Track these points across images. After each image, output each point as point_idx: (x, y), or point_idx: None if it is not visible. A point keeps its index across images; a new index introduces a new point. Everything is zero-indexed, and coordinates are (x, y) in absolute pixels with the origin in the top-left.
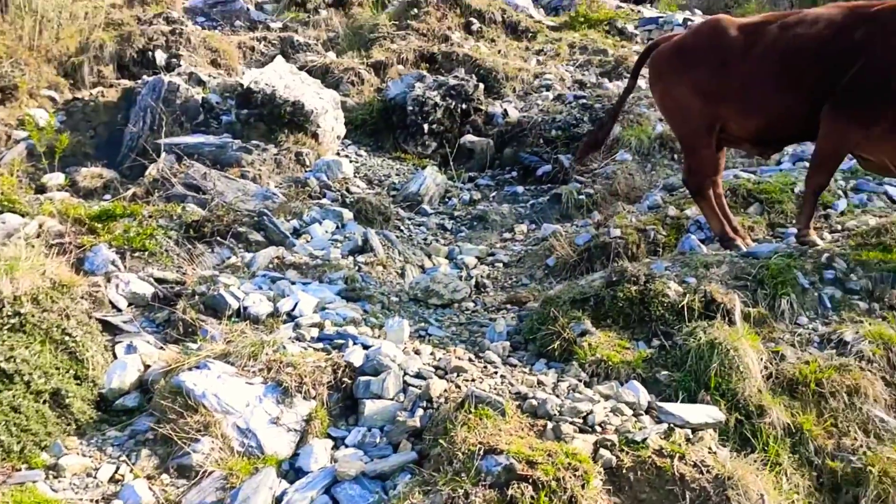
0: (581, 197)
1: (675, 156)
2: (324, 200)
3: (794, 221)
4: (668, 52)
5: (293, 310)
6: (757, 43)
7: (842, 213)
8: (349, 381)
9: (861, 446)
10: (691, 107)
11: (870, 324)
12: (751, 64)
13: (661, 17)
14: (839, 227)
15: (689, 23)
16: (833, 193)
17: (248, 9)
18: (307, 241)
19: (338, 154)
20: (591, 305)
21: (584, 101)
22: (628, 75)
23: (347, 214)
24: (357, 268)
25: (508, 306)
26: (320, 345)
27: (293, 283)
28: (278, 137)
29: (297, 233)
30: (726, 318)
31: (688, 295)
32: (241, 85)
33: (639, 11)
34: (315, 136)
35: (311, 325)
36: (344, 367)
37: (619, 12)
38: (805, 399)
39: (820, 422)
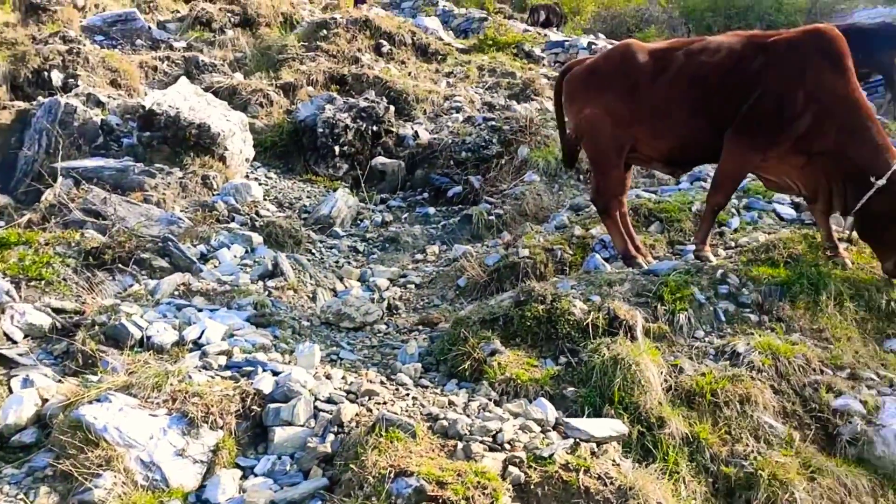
0: (491, 217)
1: (581, 176)
2: (232, 224)
3: (692, 239)
4: (582, 75)
5: (200, 338)
6: (666, 69)
7: (735, 231)
8: (258, 409)
9: (752, 452)
10: (603, 128)
11: (760, 335)
12: (660, 89)
13: (567, 40)
14: (733, 244)
15: (594, 46)
16: (728, 212)
17: (149, 28)
18: (215, 267)
19: (247, 177)
20: (501, 325)
21: (493, 123)
22: (536, 97)
23: (257, 238)
24: (267, 293)
25: (420, 328)
26: (228, 373)
27: (200, 311)
28: (184, 160)
29: (204, 258)
30: (629, 334)
31: (592, 313)
32: (143, 107)
33: (545, 35)
34: (222, 158)
35: (219, 353)
36: (253, 394)
37: (526, 36)
38: (702, 409)
39: (715, 430)
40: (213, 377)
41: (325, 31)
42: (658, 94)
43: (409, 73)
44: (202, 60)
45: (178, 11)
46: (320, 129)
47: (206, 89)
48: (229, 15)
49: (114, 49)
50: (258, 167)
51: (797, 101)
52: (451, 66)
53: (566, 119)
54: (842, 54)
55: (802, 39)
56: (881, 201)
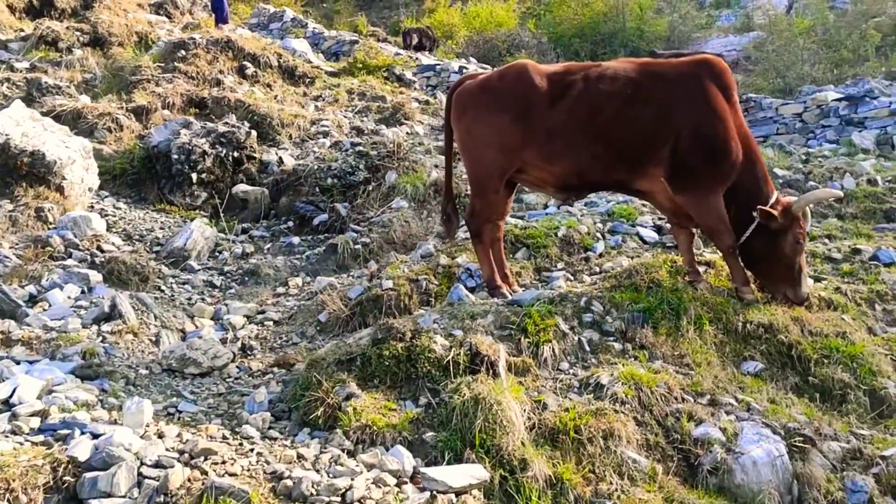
0: (357, 246)
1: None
2: (69, 262)
3: (557, 265)
4: (475, 91)
5: (11, 396)
6: (565, 94)
7: (600, 255)
8: (73, 480)
9: (616, 490)
10: (490, 148)
11: (623, 364)
12: (558, 114)
13: (439, 64)
14: (598, 269)
15: (465, 70)
16: (592, 236)
17: None
18: (44, 310)
19: (90, 208)
20: (358, 366)
21: (361, 148)
22: (406, 121)
23: (96, 277)
24: (101, 338)
25: (275, 370)
26: (41, 437)
27: (17, 363)
28: (14, 192)
29: (33, 300)
30: (491, 371)
31: (454, 349)
32: None
33: (417, 59)
34: (60, 189)
35: (32, 414)
36: (66, 462)
37: (397, 59)
38: (565, 448)
39: (579, 469)
40: (21, 444)
41: (183, 52)
42: (555, 119)
43: (276, 97)
44: (45, 82)
45: (23, 30)
46: (175, 156)
47: (47, 113)
48: (78, 34)
49: None
50: (105, 196)
51: (718, 129)
52: (319, 89)
53: (453, 137)
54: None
55: (695, 68)
56: (762, 236)
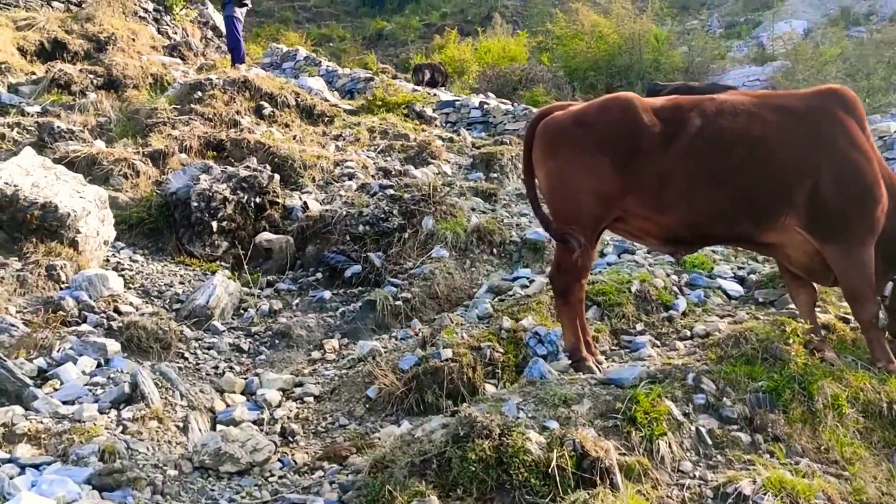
0: (398, 303)
1: (494, 250)
2: (83, 327)
3: (636, 327)
4: (567, 126)
5: None
6: (679, 133)
7: (684, 315)
8: None
9: None
10: (586, 193)
11: (762, 465)
12: (673, 156)
13: (457, 100)
14: (688, 333)
15: (486, 105)
16: (669, 291)
17: None
18: (55, 390)
19: (106, 261)
20: (435, 470)
21: (391, 191)
22: (433, 160)
23: (113, 346)
24: (121, 428)
25: (326, 464)
26: None
27: (22, 470)
28: (24, 248)
29: (42, 376)
30: (605, 479)
31: (554, 449)
32: None
33: (435, 95)
34: (73, 243)
35: None
36: None
37: (416, 95)
38: None
39: None
40: None
41: (199, 93)
42: (669, 163)
43: (295, 137)
44: (58, 127)
45: (35, 73)
46: (195, 203)
47: (60, 160)
48: (92, 77)
49: None
50: (122, 248)
51: (863, 166)
52: (339, 128)
53: (536, 178)
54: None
55: (825, 100)
56: None
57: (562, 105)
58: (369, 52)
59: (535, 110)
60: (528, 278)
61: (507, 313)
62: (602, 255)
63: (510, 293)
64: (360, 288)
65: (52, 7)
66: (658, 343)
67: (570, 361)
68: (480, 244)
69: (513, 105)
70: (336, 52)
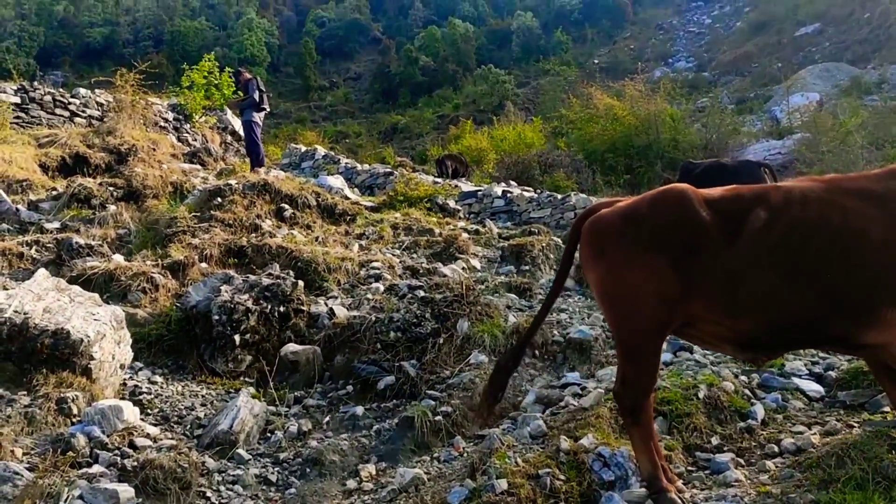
0: (437, 418)
1: (536, 352)
2: (95, 468)
3: (712, 441)
4: (617, 223)
5: None
6: (742, 227)
7: (764, 424)
8: None
9: None
10: (644, 296)
11: None
12: (740, 253)
13: (479, 190)
14: (776, 449)
15: (508, 194)
16: (741, 395)
17: (17, 209)
18: None
19: (123, 385)
20: None
21: (421, 291)
22: (460, 255)
23: (126, 492)
24: None
25: None
26: None
27: None
28: (33, 380)
29: None
30: None
31: None
32: None
33: (456, 186)
34: (86, 371)
35: None
36: None
37: (438, 188)
38: None
39: None
40: None
41: (219, 199)
42: (736, 261)
43: (317, 239)
44: (76, 242)
45: (56, 189)
46: (216, 316)
47: (76, 278)
48: (111, 189)
49: None
50: (140, 369)
51: None
52: (362, 226)
53: (587, 281)
54: None
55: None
56: None
57: (608, 202)
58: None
59: (559, 196)
60: (578, 385)
61: (563, 430)
62: None
63: (562, 404)
64: (394, 401)
65: (74, 123)
66: (742, 462)
67: (648, 492)
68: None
69: (536, 192)
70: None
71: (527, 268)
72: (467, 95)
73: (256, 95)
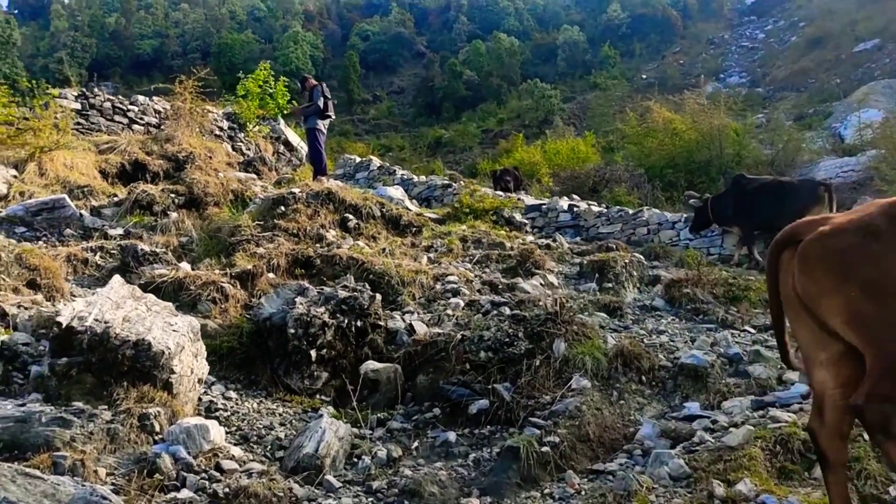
0: (545, 449)
1: (643, 377)
2: (183, 494)
3: (890, 492)
4: (856, 240)
5: None
6: None
7: None
8: None
9: None
10: None
11: None
12: None
13: (544, 203)
14: None
15: (575, 208)
16: None
17: (80, 215)
18: None
19: (199, 400)
20: None
21: (507, 309)
22: (537, 270)
23: None
24: None
25: None
26: None
27: None
28: (114, 394)
29: None
30: None
31: None
32: (59, 324)
33: (519, 199)
34: (167, 386)
35: None
36: None
37: (504, 201)
38: None
39: None
40: None
41: (282, 208)
42: None
43: (384, 250)
44: (141, 249)
45: (117, 195)
46: (292, 330)
47: (146, 286)
48: (173, 196)
49: (37, 242)
50: (213, 383)
51: None
52: (428, 238)
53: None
54: None
55: None
56: None
57: (810, 222)
58: (430, 159)
59: (629, 211)
60: (707, 418)
61: (710, 472)
62: (791, 383)
63: (695, 440)
64: (489, 427)
65: (132, 129)
66: None
67: None
68: (627, 371)
69: (605, 207)
70: (397, 161)
71: (609, 285)
72: (512, 110)
73: (321, 102)
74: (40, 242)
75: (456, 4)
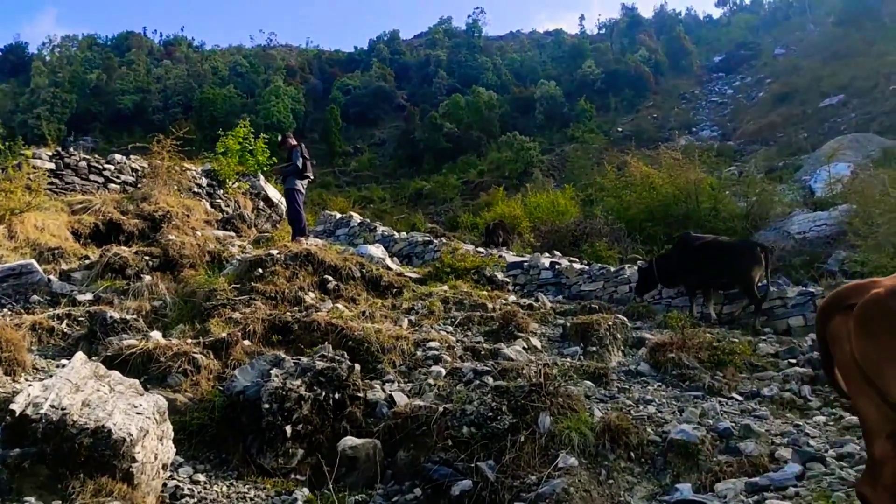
0: None
1: (632, 454)
2: None
3: None
4: None
5: None
6: None
7: None
8: None
9: None
10: None
11: None
12: None
13: (525, 261)
14: None
15: (557, 266)
16: None
17: (48, 280)
18: None
19: (164, 486)
20: None
21: (490, 378)
22: (520, 333)
23: None
24: None
25: None
26: None
27: None
28: (69, 487)
29: None
30: None
31: None
32: (13, 412)
33: (501, 256)
34: (128, 476)
35: None
36: None
37: (485, 259)
38: None
39: None
40: None
41: (260, 270)
42: None
43: (364, 313)
44: (110, 317)
45: (89, 257)
46: (266, 405)
47: (112, 359)
48: (147, 258)
49: (1, 310)
50: (180, 465)
51: None
52: (409, 300)
53: (882, 378)
54: None
55: None
56: None
57: (858, 286)
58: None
59: (611, 269)
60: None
61: None
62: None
63: None
64: None
65: (108, 189)
66: None
67: None
68: (615, 447)
69: (587, 264)
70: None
71: (594, 349)
72: (492, 161)
73: (300, 162)
74: (5, 310)
75: (435, 60)
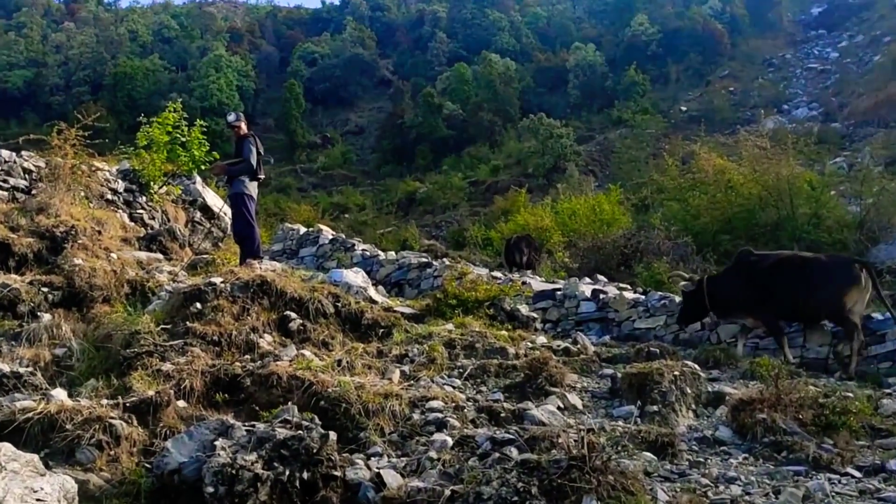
0: None
1: None
2: None
3: None
4: None
5: None
6: None
7: None
8: None
9: None
10: None
11: None
12: None
13: (558, 288)
14: None
15: (601, 296)
16: None
17: None
18: None
19: None
20: None
21: (516, 449)
22: (555, 388)
23: None
24: None
25: None
26: None
27: None
28: None
29: None
30: None
31: None
32: None
33: (524, 283)
34: None
35: None
36: None
37: (505, 287)
38: None
39: None
40: None
41: (198, 305)
42: None
43: (340, 363)
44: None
45: None
46: (210, 489)
47: (3, 427)
48: (46, 290)
49: None
50: None
51: None
52: (401, 344)
53: None
54: None
55: None
56: None
57: None
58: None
59: (676, 299)
60: None
61: None
62: None
63: None
64: None
65: None
66: None
67: None
68: None
69: (643, 292)
70: (355, 226)
71: (655, 408)
72: (509, 154)
73: (253, 159)
74: None
75: (432, 18)
